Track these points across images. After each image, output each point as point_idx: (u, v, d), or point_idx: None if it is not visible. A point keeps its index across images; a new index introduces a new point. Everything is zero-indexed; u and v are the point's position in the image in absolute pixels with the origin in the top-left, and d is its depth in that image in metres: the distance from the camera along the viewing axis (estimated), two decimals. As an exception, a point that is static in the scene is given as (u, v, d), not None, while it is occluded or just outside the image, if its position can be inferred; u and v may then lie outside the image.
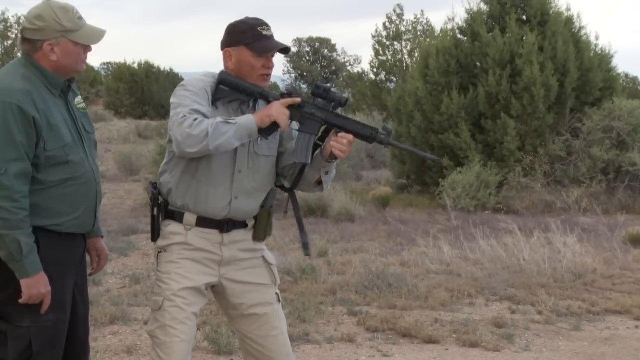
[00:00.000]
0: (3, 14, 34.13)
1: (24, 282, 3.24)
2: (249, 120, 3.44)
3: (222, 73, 3.67)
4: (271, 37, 3.62)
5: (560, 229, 9.34)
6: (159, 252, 3.69)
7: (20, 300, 3.25)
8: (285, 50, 3.64)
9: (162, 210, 3.69)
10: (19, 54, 3.51)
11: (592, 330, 6.67)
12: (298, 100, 3.56)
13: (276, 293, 3.83)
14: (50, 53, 3.34)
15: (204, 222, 3.63)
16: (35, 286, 3.25)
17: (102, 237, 3.80)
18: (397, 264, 8.91)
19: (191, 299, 3.63)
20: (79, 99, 3.58)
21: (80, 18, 3.43)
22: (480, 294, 7.64)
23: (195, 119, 3.39)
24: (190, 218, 3.64)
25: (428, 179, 15.84)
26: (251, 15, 3.75)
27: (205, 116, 3.45)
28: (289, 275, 7.88)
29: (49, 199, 3.32)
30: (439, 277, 8.23)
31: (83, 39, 3.42)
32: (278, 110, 3.50)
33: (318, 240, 10.02)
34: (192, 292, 3.64)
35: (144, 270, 8.56)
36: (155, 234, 3.70)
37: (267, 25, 3.63)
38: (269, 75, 3.66)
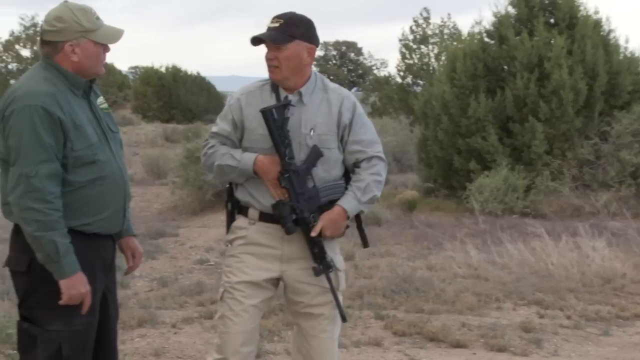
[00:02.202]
0: (32, 18, 34.56)
1: (63, 283, 3.25)
2: (247, 166, 3.68)
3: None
4: (271, 29, 3.65)
5: (589, 233, 9.28)
6: (226, 245, 3.87)
7: (61, 302, 3.26)
8: (275, 39, 3.63)
9: (235, 205, 3.83)
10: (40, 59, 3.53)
11: (622, 335, 6.61)
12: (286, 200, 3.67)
13: (338, 301, 3.82)
14: (72, 54, 3.36)
15: (266, 216, 3.72)
16: (75, 286, 3.27)
17: (135, 235, 3.83)
18: (424, 268, 8.88)
19: (249, 292, 3.74)
20: (101, 99, 3.60)
21: (98, 18, 3.45)
22: (508, 298, 7.59)
23: (212, 147, 3.80)
24: (253, 213, 3.75)
25: (455, 183, 15.76)
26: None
27: (226, 138, 3.78)
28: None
29: (79, 200, 3.33)
30: (466, 281, 8.19)
31: (102, 38, 3.44)
32: (269, 182, 3.68)
33: (345, 244, 10.00)
34: (250, 285, 3.75)
35: (172, 273, 8.61)
36: (228, 227, 3.87)
37: (279, 17, 3.67)
38: (271, 66, 3.67)
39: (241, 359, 3.77)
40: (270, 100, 3.70)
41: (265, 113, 3.59)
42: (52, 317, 3.32)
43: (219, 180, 3.82)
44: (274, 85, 3.73)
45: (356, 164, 3.81)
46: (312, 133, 3.69)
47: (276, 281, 3.83)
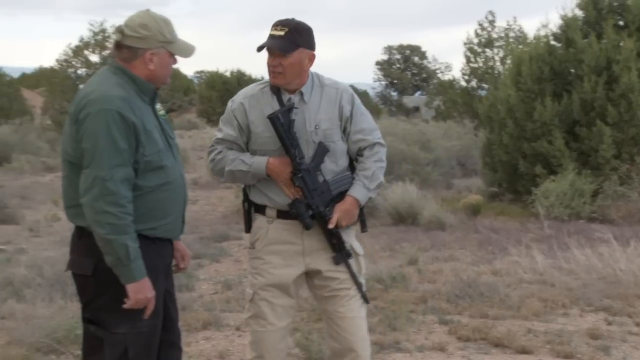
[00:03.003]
0: (101, 24, 35.02)
1: (130, 287, 3.31)
2: (260, 170, 3.85)
3: None
4: (276, 37, 3.79)
5: (659, 239, 9.09)
6: (249, 248, 4.02)
7: (126, 306, 3.31)
8: (282, 48, 3.77)
9: (252, 204, 4.01)
10: (108, 63, 3.59)
11: (693, 344, 6.46)
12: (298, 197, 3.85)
13: (360, 282, 4.01)
14: (149, 62, 3.44)
15: (283, 214, 3.89)
16: (142, 291, 3.33)
17: (179, 239, 3.89)
18: (488, 273, 8.79)
19: (277, 292, 3.93)
20: (159, 106, 3.67)
21: (175, 31, 3.54)
22: (574, 304, 7.48)
23: (219, 152, 3.96)
24: (270, 211, 3.93)
25: (520, 187, 15.58)
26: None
27: (232, 143, 3.94)
28: (379, 283, 7.86)
29: (146, 204, 3.39)
30: (531, 287, 8.09)
31: (179, 51, 3.55)
32: (282, 183, 3.85)
33: (408, 248, 9.98)
34: (278, 285, 3.93)
35: (236, 276, 8.66)
36: (247, 226, 4.05)
37: (283, 25, 3.81)
38: (274, 72, 3.83)
39: (276, 355, 3.99)
40: (272, 102, 3.88)
41: (273, 119, 3.76)
42: (118, 320, 3.38)
43: (230, 183, 4.02)
44: (274, 88, 3.90)
45: (359, 153, 4.01)
46: (316, 129, 3.86)
47: (304, 275, 3.99)
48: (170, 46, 3.50)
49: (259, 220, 3.98)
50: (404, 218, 12.88)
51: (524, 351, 6.07)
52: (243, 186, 4.06)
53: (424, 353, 6.02)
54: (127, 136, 3.28)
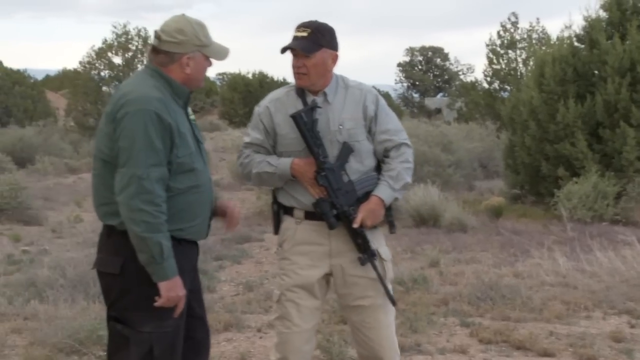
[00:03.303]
0: (124, 26, 35.23)
1: (163, 285, 3.35)
2: (285, 171, 3.88)
3: None
4: (299, 38, 3.87)
5: (683, 242, 9.02)
6: (278, 248, 4.06)
7: (157, 304, 3.35)
8: (305, 48, 3.84)
9: (281, 206, 4.03)
10: (144, 65, 3.64)
11: None
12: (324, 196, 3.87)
13: (387, 285, 4.00)
14: (186, 66, 3.51)
15: (311, 215, 3.92)
16: (174, 289, 3.37)
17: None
18: (510, 275, 8.75)
19: (303, 294, 3.96)
20: (189, 110, 3.70)
21: (209, 34, 3.59)
22: (597, 307, 7.43)
23: (247, 156, 4.02)
24: (298, 212, 3.97)
25: (542, 189, 15.53)
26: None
27: (259, 146, 4.00)
28: (400, 285, 7.84)
29: (175, 206, 3.44)
30: (554, 289, 8.05)
31: (214, 54, 3.61)
32: (307, 183, 3.88)
33: (430, 250, 9.96)
34: (304, 286, 3.95)
35: (257, 278, 8.67)
36: (275, 228, 4.08)
37: (306, 27, 3.88)
38: (299, 73, 3.90)
39: (301, 356, 4.00)
40: (297, 105, 3.92)
41: (296, 118, 3.81)
42: (144, 318, 3.41)
43: (258, 186, 4.04)
44: (299, 90, 3.96)
45: (385, 154, 4.02)
46: (340, 129, 3.90)
47: (328, 277, 4.02)
48: (206, 49, 3.55)
49: (287, 222, 4.02)
50: (426, 220, 12.86)
51: (546, 354, 6.03)
52: (272, 189, 4.11)
53: (445, 355, 6.00)
54: (163, 137, 3.34)
